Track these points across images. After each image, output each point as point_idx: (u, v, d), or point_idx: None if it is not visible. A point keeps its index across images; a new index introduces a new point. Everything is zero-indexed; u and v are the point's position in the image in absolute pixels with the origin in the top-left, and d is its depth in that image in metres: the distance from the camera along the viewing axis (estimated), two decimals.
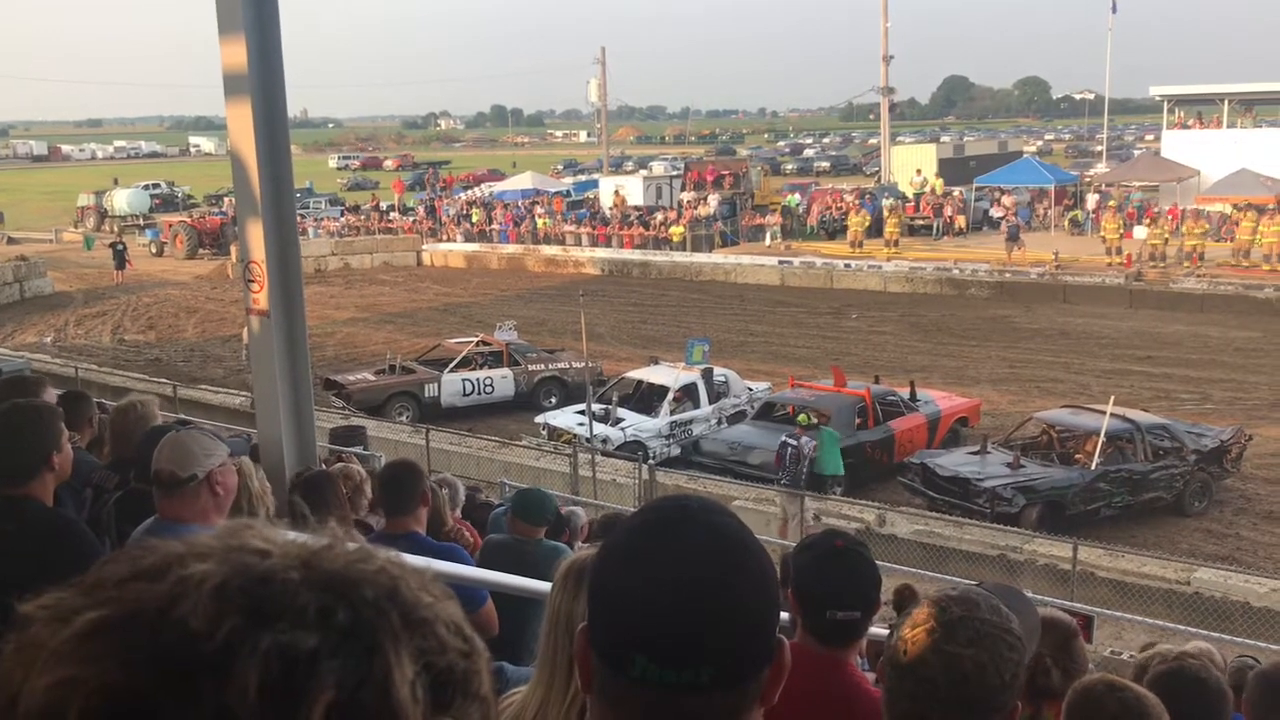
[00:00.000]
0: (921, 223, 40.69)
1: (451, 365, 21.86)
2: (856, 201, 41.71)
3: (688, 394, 18.93)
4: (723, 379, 19.68)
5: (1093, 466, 15.13)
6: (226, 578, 0.70)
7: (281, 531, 0.77)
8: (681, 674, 1.07)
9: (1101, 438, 15.25)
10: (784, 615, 2.54)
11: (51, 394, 4.81)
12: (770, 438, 16.83)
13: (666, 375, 19.35)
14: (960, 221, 40.66)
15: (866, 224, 38.25)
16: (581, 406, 18.06)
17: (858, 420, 17.20)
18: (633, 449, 17.39)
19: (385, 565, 0.76)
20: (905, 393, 18.51)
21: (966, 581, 1.89)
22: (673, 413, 18.62)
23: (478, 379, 21.79)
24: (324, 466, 5.58)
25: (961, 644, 1.74)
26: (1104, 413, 15.53)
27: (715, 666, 1.08)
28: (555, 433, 18.34)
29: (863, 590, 2.64)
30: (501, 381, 21.90)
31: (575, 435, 17.50)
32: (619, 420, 18.35)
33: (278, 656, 0.67)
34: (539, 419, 19.36)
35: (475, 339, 23.07)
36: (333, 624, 0.69)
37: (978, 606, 1.78)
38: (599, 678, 1.14)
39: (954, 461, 15.71)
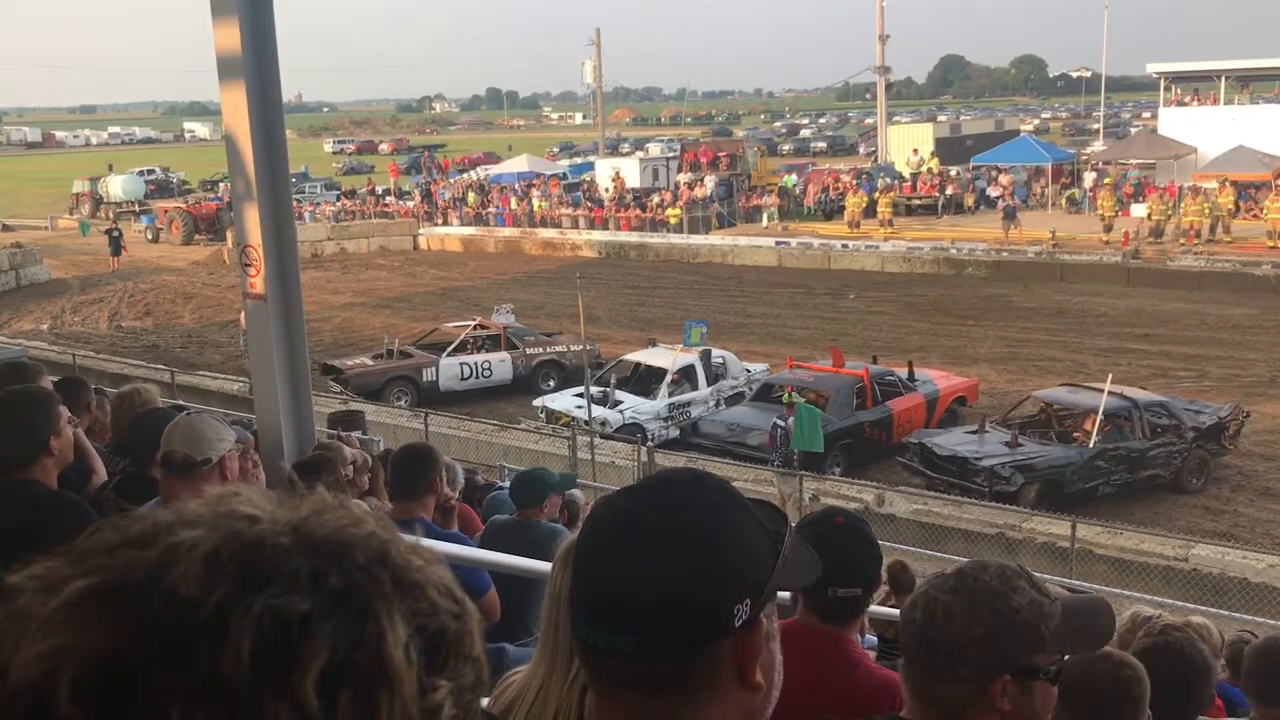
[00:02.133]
0: (919, 202, 40.63)
1: (449, 349, 21.86)
2: (854, 182, 41.64)
3: (686, 376, 18.93)
4: (720, 360, 19.68)
5: (1091, 444, 15.16)
6: (217, 544, 0.70)
7: (270, 498, 0.77)
8: (611, 639, 1.10)
9: (1100, 416, 15.27)
10: (785, 595, 2.55)
11: (48, 381, 4.81)
12: (768, 419, 16.86)
13: (664, 357, 19.35)
14: (969, 200, 40.64)
15: (864, 204, 38.21)
16: (580, 389, 18.08)
17: (856, 400, 17.23)
18: (631, 431, 17.42)
19: (375, 529, 0.76)
20: (903, 373, 18.53)
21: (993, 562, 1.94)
22: (671, 395, 18.63)
23: (476, 363, 21.79)
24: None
25: (944, 591, 1.81)
26: (1102, 391, 15.56)
27: (638, 635, 1.09)
28: (553, 416, 18.35)
29: (863, 567, 2.64)
30: (499, 365, 21.90)
31: (573, 418, 17.53)
32: (617, 403, 18.36)
33: (270, 621, 0.66)
34: (537, 402, 19.37)
35: (473, 323, 23.06)
36: (325, 588, 0.69)
37: (985, 570, 1.83)
38: None
39: (952, 441, 15.73)
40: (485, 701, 2.18)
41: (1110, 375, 16.51)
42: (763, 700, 1.17)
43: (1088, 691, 2.41)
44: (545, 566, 3.84)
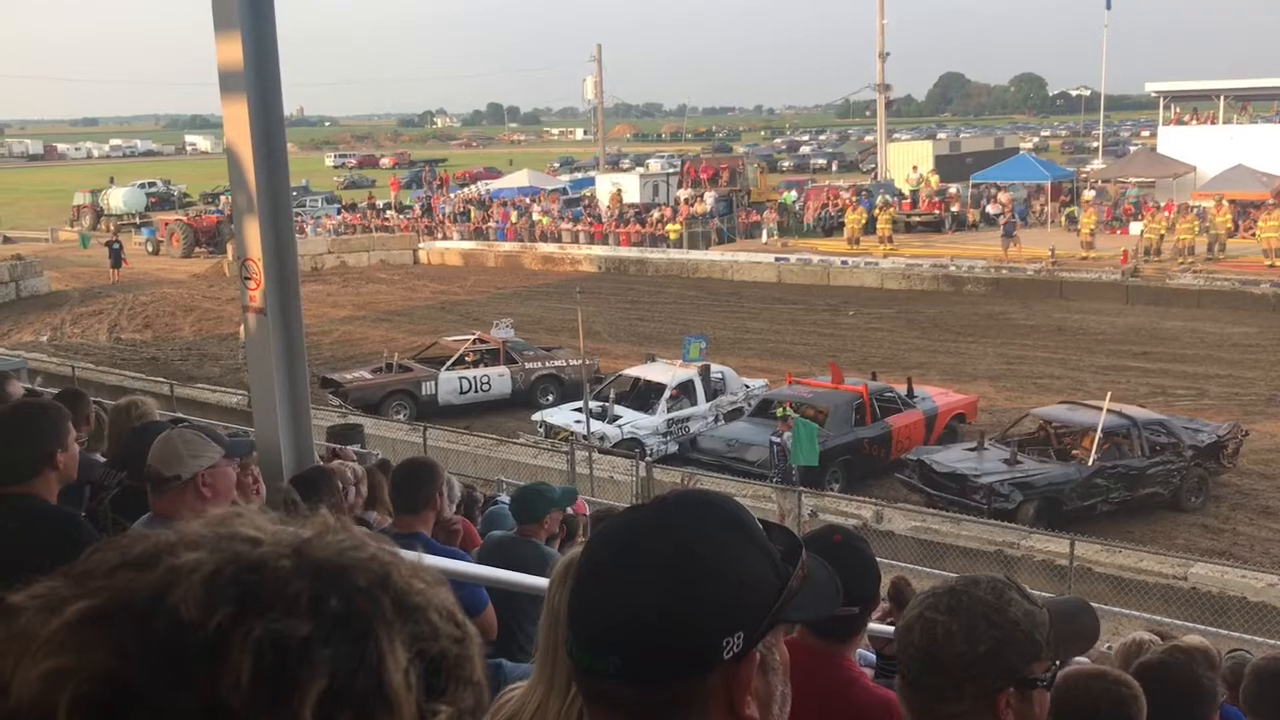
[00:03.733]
0: (919, 219, 40.68)
1: (449, 363, 21.85)
2: (854, 199, 41.69)
3: (685, 391, 18.94)
4: (719, 376, 19.68)
5: (1090, 462, 15.15)
6: (218, 566, 0.70)
7: (272, 519, 0.77)
8: (595, 659, 1.10)
9: (1098, 434, 15.27)
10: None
11: (18, 388, 4.78)
12: (767, 434, 16.87)
13: (663, 372, 19.35)
14: (973, 215, 40.73)
15: (863, 221, 38.25)
16: (579, 404, 18.07)
17: (855, 417, 17.22)
18: (630, 446, 17.40)
19: (377, 552, 0.77)
20: (902, 389, 18.53)
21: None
22: (670, 410, 18.63)
23: (475, 377, 21.77)
24: (320, 462, 5.57)
25: (940, 611, 1.79)
26: (1101, 409, 15.55)
27: (622, 658, 1.09)
28: (552, 430, 18.34)
29: (860, 585, 2.63)
30: (499, 379, 21.89)
31: (572, 433, 17.51)
32: (616, 417, 18.35)
33: (270, 644, 0.67)
34: (536, 416, 19.36)
35: (472, 337, 23.05)
36: (325, 611, 0.70)
37: (977, 585, 1.82)
38: None
39: (951, 458, 15.72)
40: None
41: (1109, 393, 16.51)
42: None
43: (1084, 710, 2.40)
44: (544, 583, 3.83)
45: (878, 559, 3.14)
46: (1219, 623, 11.00)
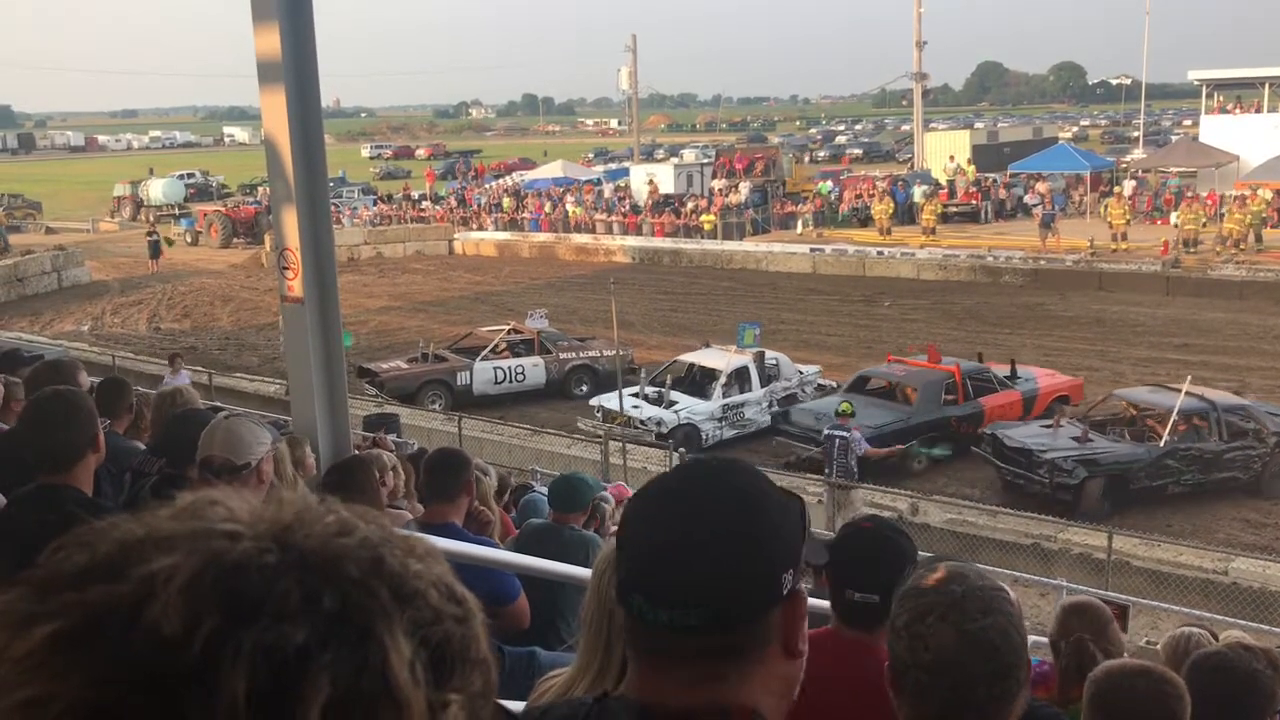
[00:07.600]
0: (956, 209, 40.33)
1: (483, 353, 21.96)
2: (885, 189, 41.35)
3: (739, 377, 19.02)
4: (774, 362, 19.81)
5: (1162, 443, 15.07)
6: (196, 571, 0.63)
7: (250, 504, 0.71)
8: (672, 614, 1.14)
9: (1174, 415, 15.22)
10: (824, 603, 2.54)
11: (85, 378, 4.86)
12: (861, 409, 16.71)
13: (718, 359, 19.47)
14: (1009, 204, 40.43)
15: (890, 211, 37.95)
16: (636, 389, 18.59)
17: (946, 396, 17.46)
18: (686, 432, 17.75)
19: (367, 534, 0.70)
20: (1005, 370, 18.75)
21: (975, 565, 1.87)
22: (725, 396, 18.71)
23: (509, 367, 21.88)
24: (356, 451, 5.61)
25: (977, 616, 1.69)
26: (1181, 391, 15.51)
27: (703, 608, 1.14)
28: (610, 415, 18.50)
29: (883, 574, 2.49)
30: (533, 370, 21.99)
31: (629, 417, 17.75)
32: (672, 403, 18.50)
33: (264, 658, 0.61)
34: (594, 401, 19.59)
35: (507, 327, 23.14)
36: (320, 612, 0.63)
37: (967, 577, 1.76)
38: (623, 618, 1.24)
39: (1024, 433, 15.85)
40: (522, 706, 2.18)
41: (1189, 377, 16.62)
42: (798, 670, 1.22)
43: (1129, 708, 2.38)
44: (578, 571, 3.84)
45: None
46: (1260, 618, 10.85)
